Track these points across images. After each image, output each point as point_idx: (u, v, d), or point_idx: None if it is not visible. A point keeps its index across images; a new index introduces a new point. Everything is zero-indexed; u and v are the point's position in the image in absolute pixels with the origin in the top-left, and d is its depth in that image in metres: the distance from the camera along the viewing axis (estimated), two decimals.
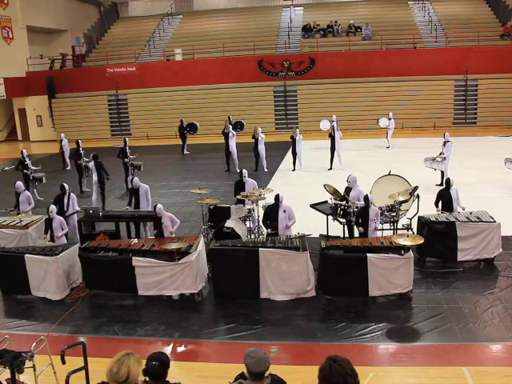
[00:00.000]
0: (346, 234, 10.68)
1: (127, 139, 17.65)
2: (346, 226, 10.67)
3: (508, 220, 10.73)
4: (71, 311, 8.66)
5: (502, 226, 9.87)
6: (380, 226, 10.13)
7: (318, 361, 3.37)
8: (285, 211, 9.94)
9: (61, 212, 10.91)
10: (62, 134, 21.67)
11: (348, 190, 10.95)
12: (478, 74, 27.45)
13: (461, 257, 9.81)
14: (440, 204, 10.69)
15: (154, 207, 9.93)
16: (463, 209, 10.55)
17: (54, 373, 5.99)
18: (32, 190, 15.64)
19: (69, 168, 20.75)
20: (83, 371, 5.71)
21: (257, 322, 8.05)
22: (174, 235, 9.80)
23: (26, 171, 16.09)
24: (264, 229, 11.09)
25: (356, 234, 10.23)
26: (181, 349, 7.53)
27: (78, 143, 17.78)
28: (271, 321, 8.12)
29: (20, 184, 12.46)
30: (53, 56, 32.87)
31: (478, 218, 9.97)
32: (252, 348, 4.05)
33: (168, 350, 7.40)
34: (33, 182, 16.12)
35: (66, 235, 10.59)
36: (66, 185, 11.68)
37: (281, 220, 9.91)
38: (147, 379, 4.07)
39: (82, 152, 17.44)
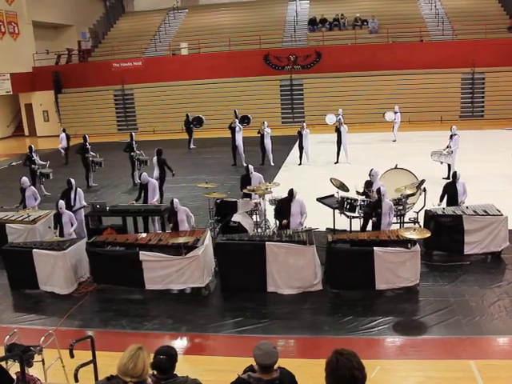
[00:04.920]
0: (353, 228, 10.64)
1: (134, 134, 17.69)
2: (353, 220, 10.62)
3: None
4: (79, 305, 8.71)
5: (510, 219, 9.84)
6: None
7: (325, 354, 3.37)
8: (300, 206, 9.92)
9: (68, 207, 10.95)
10: (62, 128, 22.02)
11: (369, 183, 10.86)
12: (485, 67, 27.25)
13: (468, 250, 9.79)
14: (445, 198, 10.67)
15: (171, 201, 9.95)
16: (463, 203, 10.50)
17: (63, 366, 6.04)
18: (39, 186, 15.71)
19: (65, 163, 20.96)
20: (91, 365, 5.76)
21: (264, 316, 8.08)
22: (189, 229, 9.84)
23: (33, 166, 16.15)
24: (271, 223, 11.11)
25: (368, 227, 10.12)
26: (188, 342, 7.57)
27: (85, 138, 17.80)
28: (278, 314, 8.15)
29: (25, 179, 12.50)
30: (59, 51, 32.93)
31: (485, 211, 9.93)
32: (264, 341, 4.07)
33: (175, 343, 7.44)
34: (39, 177, 16.18)
35: (74, 230, 10.64)
36: (72, 180, 11.72)
37: (293, 215, 9.89)
38: (155, 373, 4.09)
39: (88, 147, 17.48)
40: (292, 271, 8.67)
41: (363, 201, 10.25)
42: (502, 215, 9.82)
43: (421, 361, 6.76)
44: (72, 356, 5.56)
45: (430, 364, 6.67)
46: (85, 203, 11.76)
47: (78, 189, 11.80)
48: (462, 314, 7.79)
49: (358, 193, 10.96)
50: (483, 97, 27.95)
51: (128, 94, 30.65)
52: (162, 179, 14.30)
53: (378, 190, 9.61)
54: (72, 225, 10.36)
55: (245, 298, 8.62)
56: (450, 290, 8.59)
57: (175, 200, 9.95)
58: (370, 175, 10.92)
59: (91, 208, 11.49)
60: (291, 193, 9.91)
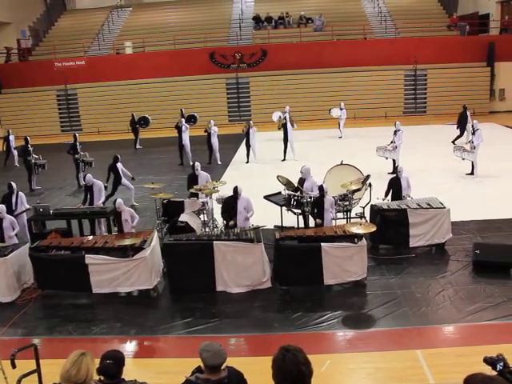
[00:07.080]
0: (301, 225, 10.74)
1: (77, 135, 17.29)
2: (300, 217, 10.73)
3: (457, 205, 11.03)
4: (23, 313, 8.40)
5: (452, 211, 10.12)
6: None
7: (275, 351, 3.37)
8: (245, 207, 9.91)
9: (9, 211, 10.58)
10: (10, 130, 21.15)
11: (302, 180, 11.00)
12: (426, 64, 28.04)
13: (413, 243, 10.03)
14: (390, 192, 10.90)
15: (114, 202, 9.81)
16: (408, 196, 10.76)
17: (5, 378, 5.80)
18: None
19: (17, 165, 20.21)
20: (36, 374, 5.56)
21: (213, 316, 8.04)
22: (134, 230, 9.70)
23: None
24: (218, 222, 11.06)
25: (311, 224, 10.29)
26: (138, 346, 7.44)
27: (26, 140, 17.27)
28: (228, 313, 8.13)
29: None
30: None
31: (429, 204, 10.19)
32: (207, 342, 4.03)
33: (125, 347, 7.30)
34: None
35: (16, 235, 10.29)
36: (13, 183, 11.33)
37: (240, 212, 9.88)
38: (102, 378, 4.00)
39: (31, 149, 16.95)
40: (240, 269, 8.66)
41: (310, 197, 10.34)
42: (444, 208, 10.11)
43: (370, 353, 6.87)
44: (14, 366, 5.34)
45: (378, 355, 6.79)
46: (28, 206, 11.39)
47: (20, 192, 11.42)
48: (409, 305, 7.98)
49: (288, 189, 11.04)
50: (425, 93, 28.77)
51: (71, 94, 29.90)
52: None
53: (321, 187, 9.72)
54: (13, 230, 10.02)
55: (194, 298, 8.55)
56: (397, 283, 8.78)
57: (118, 200, 9.84)
58: (300, 172, 11.04)
59: (34, 212, 11.16)
60: (236, 190, 9.91)
